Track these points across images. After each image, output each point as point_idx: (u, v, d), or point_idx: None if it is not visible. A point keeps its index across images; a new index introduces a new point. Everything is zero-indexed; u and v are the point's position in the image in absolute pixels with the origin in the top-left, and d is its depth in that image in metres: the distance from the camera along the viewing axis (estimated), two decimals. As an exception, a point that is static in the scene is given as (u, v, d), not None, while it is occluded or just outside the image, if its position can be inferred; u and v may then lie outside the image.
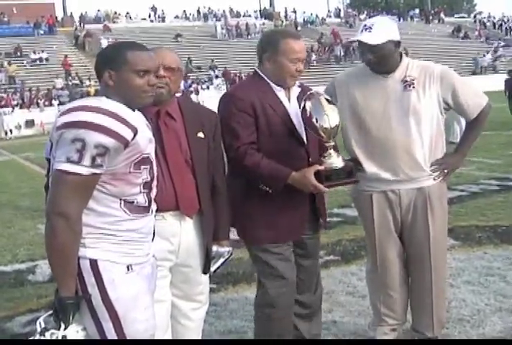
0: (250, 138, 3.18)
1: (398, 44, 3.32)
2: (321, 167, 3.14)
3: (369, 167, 3.40)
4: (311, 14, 52.49)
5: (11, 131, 30.46)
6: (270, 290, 3.34)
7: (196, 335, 3.20)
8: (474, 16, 60.47)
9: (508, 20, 55.32)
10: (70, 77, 35.78)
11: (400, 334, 3.72)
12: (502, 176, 9.37)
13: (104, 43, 37.91)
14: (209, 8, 51.52)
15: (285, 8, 53.33)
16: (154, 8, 50.79)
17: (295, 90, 3.35)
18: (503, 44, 48.87)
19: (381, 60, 3.29)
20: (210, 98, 28.21)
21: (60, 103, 29.78)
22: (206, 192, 3.05)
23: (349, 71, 3.71)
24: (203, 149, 3.03)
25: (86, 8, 55.75)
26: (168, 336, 3.00)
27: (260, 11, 54.04)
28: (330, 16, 55.55)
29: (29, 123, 31.20)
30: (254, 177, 3.20)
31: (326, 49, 44.08)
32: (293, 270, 3.39)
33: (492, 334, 3.79)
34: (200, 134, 3.03)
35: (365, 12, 56.47)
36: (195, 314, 3.16)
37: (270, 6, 53.28)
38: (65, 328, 2.23)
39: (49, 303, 4.62)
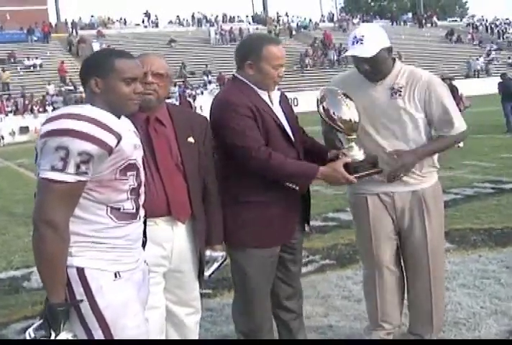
0: (262, 140, 3.17)
1: (390, 49, 3.32)
2: (349, 160, 3.17)
3: None
4: (305, 19, 52.63)
5: (2, 137, 30.36)
6: (245, 301, 3.37)
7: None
8: (467, 20, 60.64)
9: (500, 23, 55.58)
10: (63, 84, 35.73)
11: (396, 337, 3.72)
12: (496, 179, 9.38)
13: (96, 49, 37.98)
14: (203, 14, 51.60)
15: (277, 13, 53.46)
16: (147, 14, 50.84)
17: (276, 94, 3.37)
18: (495, 47, 49.07)
19: (376, 69, 3.30)
20: (205, 102, 28.23)
21: (55, 110, 29.71)
22: (198, 196, 3.05)
23: (341, 76, 3.72)
24: (194, 154, 3.03)
25: (80, 15, 55.85)
26: (162, 342, 3.00)
27: (252, 16, 54.10)
28: (323, 21, 55.69)
29: (24, 130, 31.14)
30: (281, 176, 3.15)
31: (320, 53, 44.14)
32: (268, 281, 3.37)
33: (488, 337, 3.78)
34: (191, 139, 3.02)
35: (358, 16, 56.63)
36: (190, 319, 3.15)
37: (264, 10, 53.35)
38: (55, 336, 2.22)
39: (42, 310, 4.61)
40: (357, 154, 3.24)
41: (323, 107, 3.27)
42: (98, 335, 2.30)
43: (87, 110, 2.31)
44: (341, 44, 42.31)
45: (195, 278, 3.10)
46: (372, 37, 3.24)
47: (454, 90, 12.45)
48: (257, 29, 46.84)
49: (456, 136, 3.42)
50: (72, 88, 35.28)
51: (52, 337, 2.21)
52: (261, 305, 3.37)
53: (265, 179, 3.17)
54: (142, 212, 2.51)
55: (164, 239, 2.93)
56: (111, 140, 2.27)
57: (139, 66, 2.47)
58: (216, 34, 46.03)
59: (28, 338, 2.23)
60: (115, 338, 2.32)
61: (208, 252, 3.14)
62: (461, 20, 63.47)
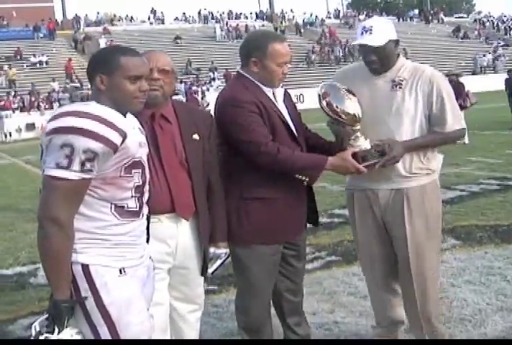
0: (269, 135, 3.17)
1: (397, 42, 3.33)
2: (356, 149, 3.19)
3: None
4: (311, 15, 52.52)
5: (10, 134, 30.43)
6: (244, 299, 3.38)
7: (194, 337, 3.20)
8: (474, 16, 60.40)
9: (507, 20, 55.33)
10: (68, 80, 35.77)
11: (399, 334, 3.72)
12: (501, 175, 9.35)
13: (102, 45, 38.00)
14: (209, 11, 51.57)
15: (282, 10, 53.34)
16: (153, 11, 50.84)
17: (280, 91, 3.37)
18: (502, 43, 48.86)
19: (383, 61, 3.30)
20: (211, 99, 28.32)
21: (61, 106, 29.75)
22: (202, 194, 3.06)
23: (343, 69, 3.72)
24: (199, 151, 3.03)
25: (86, 11, 55.89)
26: (167, 338, 3.00)
27: (256, 13, 53.98)
28: (329, 17, 55.57)
29: (30, 127, 31.19)
30: (290, 169, 3.14)
31: (326, 50, 44.06)
32: (271, 279, 3.38)
33: (494, 334, 3.79)
34: (196, 136, 3.03)
35: (365, 13, 56.49)
36: (192, 316, 3.16)
37: (270, 7, 53.26)
38: (59, 332, 2.23)
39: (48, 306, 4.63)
40: (364, 143, 3.26)
41: (327, 102, 3.28)
42: (104, 331, 2.32)
43: (92, 107, 2.32)
44: (348, 41, 42.25)
45: (199, 275, 3.11)
46: (381, 28, 3.26)
47: (460, 87, 12.40)
48: (263, 25, 46.74)
49: (450, 134, 3.35)
50: (78, 85, 35.33)
51: (56, 333, 2.23)
52: (262, 302, 3.38)
53: (269, 176, 3.18)
54: (145, 210, 2.52)
55: (168, 236, 2.94)
56: (116, 138, 2.28)
57: (146, 64, 2.47)
58: (221, 30, 45.99)
59: (33, 331, 2.25)
60: (120, 334, 2.33)
61: (212, 249, 3.15)
62: (467, 16, 63.24)
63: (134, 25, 48.38)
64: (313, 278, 5.02)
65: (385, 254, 3.52)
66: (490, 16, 57.74)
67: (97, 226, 2.34)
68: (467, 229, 6.26)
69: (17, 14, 46.58)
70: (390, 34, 3.28)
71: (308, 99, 27.87)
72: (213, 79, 37.25)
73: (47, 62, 38.36)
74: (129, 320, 2.35)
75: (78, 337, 2.30)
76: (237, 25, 46.58)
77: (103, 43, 38.49)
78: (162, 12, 51.05)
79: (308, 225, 3.58)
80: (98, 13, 49.35)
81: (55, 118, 2.29)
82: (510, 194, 7.97)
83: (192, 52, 41.22)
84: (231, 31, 45.83)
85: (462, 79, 13.74)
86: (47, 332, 2.22)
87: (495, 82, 29.23)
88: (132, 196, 2.41)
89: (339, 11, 58.89)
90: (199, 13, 51.18)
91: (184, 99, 26.20)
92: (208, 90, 34.56)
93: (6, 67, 35.89)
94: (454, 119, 3.33)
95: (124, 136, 2.31)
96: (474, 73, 40.98)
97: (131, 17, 50.57)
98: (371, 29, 3.24)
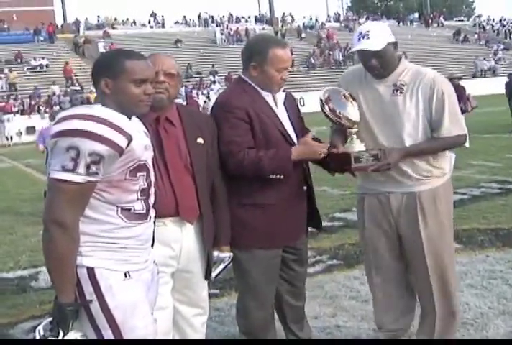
0: (249, 144, 3.18)
1: (395, 45, 3.31)
2: (350, 150, 3.22)
3: None
4: (311, 19, 52.56)
5: (11, 137, 30.44)
6: (244, 303, 3.38)
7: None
8: (474, 20, 60.47)
9: (507, 23, 55.39)
10: (68, 83, 35.78)
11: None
12: (503, 179, 9.35)
13: (101, 48, 38.05)
14: (209, 14, 51.60)
15: (283, 13, 53.42)
16: (153, 14, 50.87)
17: (281, 95, 3.37)
18: (502, 47, 48.92)
19: (384, 64, 3.27)
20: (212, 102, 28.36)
21: (61, 110, 29.78)
22: (206, 197, 3.06)
23: (347, 72, 3.70)
24: (203, 155, 3.04)
25: (86, 15, 55.96)
26: (170, 342, 3.00)
27: (256, 16, 53.97)
28: (329, 21, 55.61)
29: (30, 130, 31.17)
30: (262, 172, 3.15)
31: (326, 53, 44.08)
32: (272, 282, 3.38)
33: (496, 337, 3.78)
34: (200, 140, 3.04)
35: (365, 16, 56.52)
36: (197, 320, 3.16)
37: (270, 11, 53.31)
38: (63, 336, 2.23)
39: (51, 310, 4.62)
40: (359, 145, 3.28)
41: (329, 107, 3.29)
42: (108, 334, 2.32)
43: (98, 110, 2.32)
44: (348, 44, 42.26)
45: (203, 278, 3.11)
46: (377, 32, 3.23)
47: (461, 91, 12.38)
48: (263, 29, 46.79)
49: (448, 140, 3.31)
50: (78, 88, 35.35)
51: (61, 336, 2.23)
52: (264, 305, 3.38)
53: (267, 182, 3.20)
54: (152, 212, 2.52)
55: (172, 240, 2.94)
56: (121, 141, 2.28)
57: (150, 67, 2.47)
58: (222, 34, 46.02)
59: (37, 335, 2.25)
60: (124, 337, 2.33)
61: (215, 253, 3.15)
62: (468, 20, 63.32)
63: (135, 29, 48.42)
64: (314, 282, 5.01)
65: (395, 260, 3.51)
66: (490, 20, 57.80)
67: (103, 228, 2.34)
68: (469, 233, 6.24)
69: (18, 18, 46.63)
70: (387, 37, 3.26)
71: (309, 103, 27.87)
72: (214, 82, 37.26)
73: (47, 66, 38.37)
74: (133, 324, 2.35)
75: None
76: (237, 29, 46.60)
77: (101, 47, 38.56)
78: (162, 16, 51.09)
79: (311, 229, 3.58)
80: (98, 16, 49.43)
81: (60, 120, 2.29)
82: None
83: (192, 56, 41.21)
84: (232, 34, 45.85)
85: (461, 82, 13.74)
86: (51, 336, 2.22)
87: (495, 85, 29.25)
88: (138, 199, 2.41)
89: (339, 15, 58.96)
90: (199, 16, 51.21)
91: (184, 103, 26.21)
92: (208, 93, 34.58)
93: (6, 71, 35.90)
94: (452, 124, 3.27)
95: (130, 139, 2.31)
96: (474, 77, 40.99)
97: (134, 21, 50.56)
98: (368, 34, 3.22)
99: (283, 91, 3.40)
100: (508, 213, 7.09)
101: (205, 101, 31.26)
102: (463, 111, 3.51)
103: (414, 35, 47.34)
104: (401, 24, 54.13)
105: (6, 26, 43.45)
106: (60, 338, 2.22)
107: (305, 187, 3.39)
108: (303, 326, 3.60)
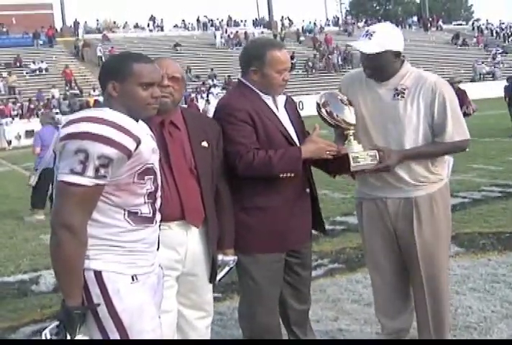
0: (255, 145, 3.18)
1: (397, 54, 3.26)
2: (348, 151, 3.21)
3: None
4: (310, 23, 52.62)
5: (10, 141, 30.41)
6: (250, 305, 3.37)
7: None
8: (473, 24, 60.58)
9: (505, 27, 55.47)
10: (67, 87, 35.81)
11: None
12: (503, 183, 9.36)
13: (100, 53, 38.08)
14: (208, 18, 51.64)
15: (282, 17, 53.48)
16: (153, 18, 50.90)
17: (281, 98, 3.37)
18: (501, 51, 48.98)
19: (375, 70, 3.25)
20: (212, 106, 28.49)
21: (63, 114, 29.79)
22: (211, 201, 3.06)
23: (351, 73, 3.67)
24: (207, 158, 3.04)
25: (85, 19, 56.02)
26: (173, 345, 3.00)
27: (253, 20, 54.00)
28: (328, 25, 55.68)
29: (29, 134, 31.14)
30: (272, 172, 3.14)
31: (324, 57, 44.12)
32: (276, 286, 3.37)
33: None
34: (204, 143, 3.04)
35: (363, 20, 56.61)
36: (201, 323, 3.16)
37: (269, 14, 53.36)
38: (70, 339, 2.22)
39: (54, 313, 4.61)
40: (356, 147, 3.28)
41: (327, 111, 3.29)
42: (115, 337, 2.31)
43: (106, 113, 2.31)
44: (347, 48, 42.30)
45: (207, 282, 3.10)
46: (382, 36, 3.19)
47: (463, 94, 12.36)
48: (262, 33, 46.86)
49: (450, 145, 3.28)
50: (78, 92, 35.37)
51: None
52: (267, 308, 3.36)
53: (270, 184, 3.20)
54: (158, 216, 2.52)
55: (178, 243, 2.93)
56: (130, 144, 2.28)
57: (158, 70, 2.47)
58: (221, 38, 46.07)
59: (44, 339, 2.24)
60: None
61: (220, 256, 3.15)
62: (466, 24, 63.44)
63: (134, 32, 48.46)
64: (316, 285, 5.00)
65: (393, 263, 3.50)
66: (489, 24, 57.87)
67: (110, 232, 2.34)
68: (470, 236, 6.25)
69: (17, 21, 46.64)
70: (390, 44, 3.20)
71: (308, 106, 27.94)
72: (214, 86, 37.30)
73: (46, 69, 38.39)
74: (141, 328, 2.35)
75: None
76: (237, 32, 46.65)
77: (99, 51, 38.60)
78: (161, 19, 51.11)
79: (315, 232, 3.57)
80: (97, 20, 49.49)
81: (69, 123, 2.28)
82: (512, 201, 7.96)
83: (191, 59, 41.25)
84: (232, 38, 45.89)
85: (461, 86, 13.73)
86: (58, 339, 2.20)
87: (494, 89, 29.29)
88: (145, 202, 2.41)
89: (338, 19, 59.03)
90: (198, 20, 51.25)
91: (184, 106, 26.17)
92: (208, 97, 34.61)
93: (5, 74, 35.90)
94: (455, 129, 3.25)
95: (138, 142, 2.31)
96: (473, 80, 41.03)
97: (136, 24, 50.57)
98: (372, 35, 3.20)
99: (283, 94, 3.40)
100: (509, 217, 7.08)
101: (205, 104, 31.26)
102: (466, 115, 3.48)
103: (413, 39, 47.30)
104: (400, 27, 53.84)
105: (5, 29, 43.47)
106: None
107: (308, 190, 3.38)
108: (306, 330, 3.59)
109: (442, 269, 3.43)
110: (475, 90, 27.58)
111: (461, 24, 62.65)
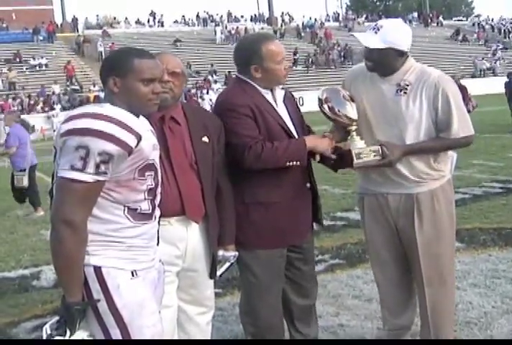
0: (259, 138, 3.17)
1: (401, 53, 3.23)
2: (351, 147, 3.25)
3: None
4: (310, 18, 52.54)
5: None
6: (252, 301, 3.36)
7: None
8: (473, 20, 60.46)
9: (506, 23, 55.40)
10: (68, 83, 35.79)
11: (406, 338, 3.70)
12: (504, 178, 9.36)
13: (101, 49, 38.06)
14: (208, 13, 51.57)
15: (282, 13, 53.42)
16: (153, 14, 50.83)
17: (280, 93, 3.37)
18: (501, 46, 48.93)
19: (375, 65, 3.24)
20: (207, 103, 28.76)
21: (64, 109, 29.82)
22: (211, 196, 3.05)
23: (355, 68, 3.64)
24: (208, 154, 3.03)
25: (86, 14, 55.94)
26: (174, 341, 3.00)
27: (252, 16, 53.87)
28: (328, 20, 55.60)
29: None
30: (279, 161, 3.15)
31: (325, 52, 44.08)
32: (278, 281, 3.37)
33: (500, 337, 3.77)
34: (205, 139, 3.03)
35: (364, 16, 56.53)
36: (202, 319, 3.15)
37: (269, 10, 53.28)
38: (70, 335, 2.22)
39: (55, 309, 4.62)
40: (359, 142, 3.29)
41: (329, 106, 3.30)
42: (116, 333, 2.31)
43: (107, 109, 2.31)
44: (347, 44, 42.25)
45: (208, 277, 3.10)
46: (388, 32, 3.17)
47: (463, 90, 12.37)
48: (262, 28, 46.79)
49: (455, 141, 3.27)
50: (78, 87, 35.34)
51: (68, 336, 2.22)
52: (269, 304, 3.36)
53: (270, 180, 3.20)
54: (157, 212, 2.52)
55: (178, 239, 2.93)
56: (131, 140, 2.27)
57: (159, 66, 2.46)
58: (221, 33, 46.02)
59: (44, 334, 2.24)
60: (132, 337, 2.32)
61: (220, 252, 3.15)
62: (467, 19, 63.32)
63: (134, 28, 48.40)
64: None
65: (396, 259, 3.49)
66: (490, 19, 57.81)
67: (110, 228, 2.33)
68: (471, 232, 6.25)
69: (17, 17, 46.62)
70: (394, 42, 3.17)
71: (308, 102, 27.90)
72: (215, 82, 37.30)
73: (46, 65, 38.36)
74: (141, 323, 2.34)
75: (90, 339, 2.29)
76: (237, 28, 46.60)
77: (99, 45, 38.58)
78: (161, 15, 51.04)
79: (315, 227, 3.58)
80: (97, 16, 49.41)
81: (70, 119, 2.27)
82: (513, 197, 7.96)
83: (192, 55, 41.21)
84: (232, 34, 45.82)
85: (462, 82, 13.74)
86: (58, 335, 2.21)
87: (494, 85, 29.27)
88: (145, 199, 2.41)
89: (339, 14, 58.95)
90: (198, 16, 51.18)
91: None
92: (207, 92, 34.60)
93: (5, 70, 35.86)
94: (461, 125, 3.24)
95: (139, 138, 2.30)
96: (473, 76, 40.99)
97: (138, 19, 50.48)
98: (379, 29, 3.18)
99: (282, 89, 3.41)
100: (509, 213, 7.09)
101: (210, 99, 31.27)
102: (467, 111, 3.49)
103: (413, 35, 47.01)
104: (400, 23, 53.98)
105: (4, 25, 43.43)
106: (67, 337, 2.21)
107: (308, 185, 3.39)
108: (310, 326, 3.59)
109: (445, 266, 3.40)
110: (476, 86, 27.56)
111: (461, 20, 62.58)
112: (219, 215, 3.11)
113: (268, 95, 3.29)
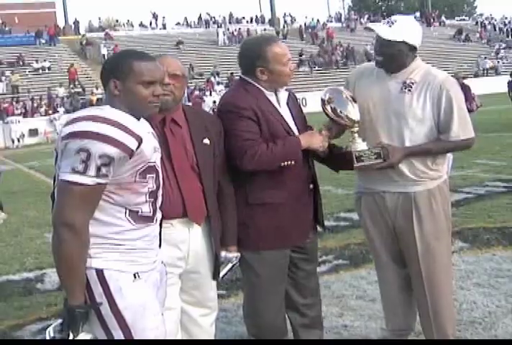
0: (259, 140, 3.18)
1: (412, 48, 3.25)
2: (353, 149, 3.26)
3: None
4: (312, 19, 52.52)
5: (18, 140, 30.41)
6: (255, 302, 3.35)
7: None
8: (476, 19, 60.39)
9: (509, 22, 55.29)
10: (71, 86, 35.84)
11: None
12: (507, 178, 9.32)
13: (104, 51, 38.11)
14: (210, 15, 51.57)
15: (284, 14, 53.39)
16: (155, 16, 50.85)
17: (283, 94, 3.37)
18: (504, 46, 48.86)
19: (386, 58, 3.25)
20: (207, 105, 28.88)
21: (67, 112, 29.88)
22: (213, 198, 3.06)
23: (361, 67, 3.67)
24: (209, 155, 3.03)
25: (88, 17, 56.02)
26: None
27: (252, 17, 53.84)
28: (331, 21, 55.58)
29: (33, 132, 31.20)
30: (274, 161, 3.15)
31: (330, 53, 44.07)
32: (281, 282, 3.37)
33: (505, 336, 3.76)
34: (206, 141, 3.03)
35: (366, 16, 56.48)
36: (205, 320, 3.16)
37: (271, 11, 53.24)
38: (73, 338, 2.23)
39: (59, 311, 4.61)
40: (360, 144, 3.29)
41: (331, 107, 3.30)
42: (118, 335, 2.31)
43: (108, 112, 2.31)
44: (349, 45, 42.24)
45: (211, 279, 3.11)
46: (402, 27, 3.20)
47: (466, 90, 12.33)
48: (264, 30, 46.77)
49: (454, 144, 3.29)
50: (80, 90, 35.39)
51: (71, 338, 2.23)
52: (272, 305, 3.36)
53: (273, 181, 3.21)
54: (158, 215, 2.52)
55: (180, 241, 2.93)
56: (132, 143, 2.28)
57: (160, 68, 2.47)
58: (224, 35, 46.03)
59: (47, 337, 2.25)
60: (134, 339, 2.32)
61: (223, 253, 3.15)
62: (469, 19, 63.26)
63: (136, 30, 48.44)
64: (321, 282, 4.91)
65: (395, 258, 3.49)
66: (492, 19, 57.70)
67: (111, 231, 2.34)
68: (475, 232, 6.24)
69: (19, 20, 46.67)
70: (407, 36, 3.20)
71: (311, 103, 27.90)
72: (218, 83, 37.31)
73: (49, 68, 38.41)
74: (144, 325, 2.35)
75: None
76: (239, 29, 46.61)
77: (104, 49, 38.63)
78: (163, 17, 51.06)
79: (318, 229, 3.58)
80: (99, 18, 49.51)
81: (71, 122, 2.28)
82: (517, 196, 7.94)
83: (194, 57, 41.23)
84: (235, 35, 45.82)
85: (465, 81, 13.69)
86: (61, 337, 2.22)
87: (497, 84, 29.24)
88: (146, 201, 2.41)
89: (341, 15, 58.92)
90: (200, 18, 51.18)
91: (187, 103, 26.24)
92: (210, 94, 34.62)
93: (8, 73, 35.93)
94: (461, 129, 3.25)
95: (140, 141, 2.31)
96: (476, 76, 40.94)
97: (141, 22, 50.53)
98: (393, 23, 3.21)
99: (286, 90, 3.41)
100: (513, 212, 7.06)
101: (214, 101, 31.36)
102: (469, 111, 3.46)
103: (416, 34, 47.18)
104: (402, 23, 53.88)
105: (7, 28, 43.49)
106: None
107: (311, 186, 3.39)
108: (315, 326, 3.59)
109: (442, 265, 3.40)
110: (478, 86, 27.51)
111: (464, 20, 62.48)
112: (221, 216, 3.11)
113: (272, 97, 3.30)
